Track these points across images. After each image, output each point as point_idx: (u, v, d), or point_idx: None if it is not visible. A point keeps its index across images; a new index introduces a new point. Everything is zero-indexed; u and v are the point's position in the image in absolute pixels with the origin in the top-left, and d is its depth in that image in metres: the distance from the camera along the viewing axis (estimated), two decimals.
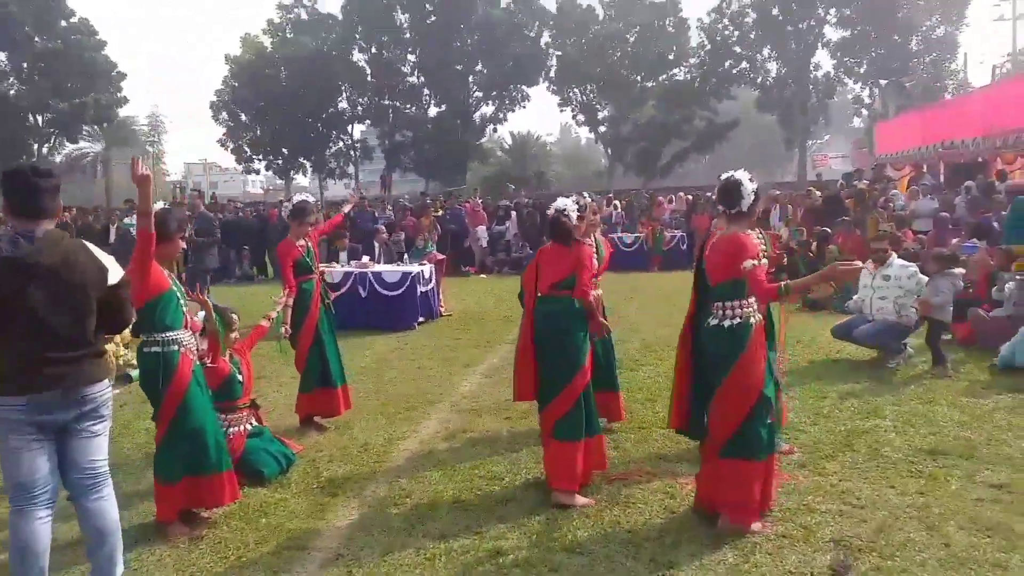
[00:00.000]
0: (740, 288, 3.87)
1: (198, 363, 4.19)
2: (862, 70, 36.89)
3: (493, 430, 5.71)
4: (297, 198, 6.05)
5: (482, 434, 5.62)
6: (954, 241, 10.36)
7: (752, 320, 3.90)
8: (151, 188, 3.62)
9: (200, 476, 4.09)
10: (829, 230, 12.40)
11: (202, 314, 4.57)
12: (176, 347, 4.00)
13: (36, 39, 36.96)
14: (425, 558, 3.78)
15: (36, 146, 38.74)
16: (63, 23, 37.70)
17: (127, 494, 4.54)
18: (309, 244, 5.80)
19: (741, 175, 4.02)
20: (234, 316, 4.97)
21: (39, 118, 38.52)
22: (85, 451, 3.24)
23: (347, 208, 6.93)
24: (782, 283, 3.78)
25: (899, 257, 7.63)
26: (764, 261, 3.92)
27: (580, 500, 4.30)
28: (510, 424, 5.84)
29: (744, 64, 37.92)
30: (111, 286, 3.21)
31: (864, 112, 38.84)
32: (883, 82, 35.80)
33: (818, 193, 15.20)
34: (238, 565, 3.78)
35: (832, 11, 36.21)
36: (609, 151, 42.71)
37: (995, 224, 10.42)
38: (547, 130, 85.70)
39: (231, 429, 4.81)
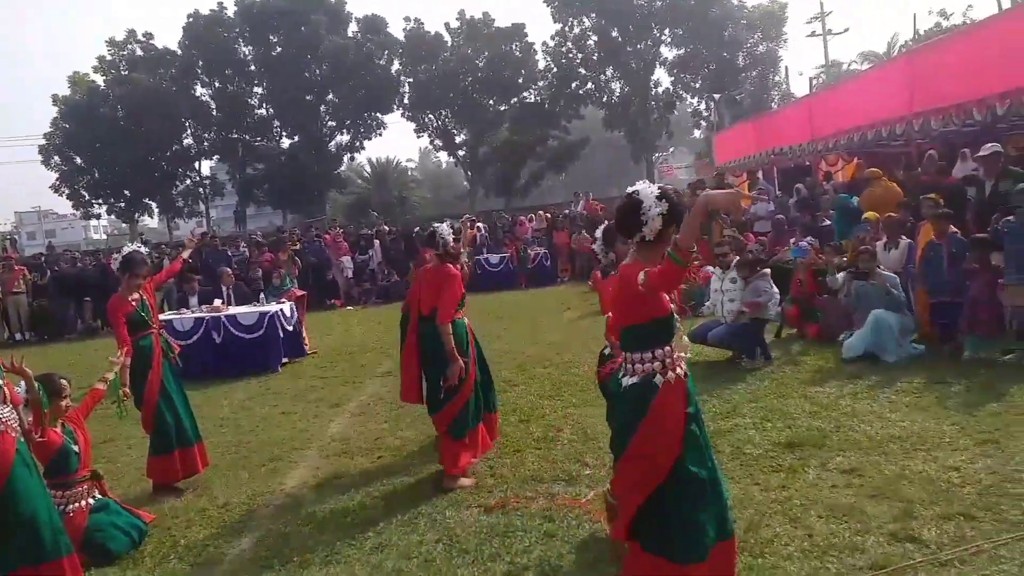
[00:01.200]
0: (642, 338, 3.12)
1: (22, 440, 3.75)
2: (697, 85, 39.38)
3: (365, 472, 5.48)
4: (127, 249, 5.56)
5: (353, 478, 5.37)
6: (791, 241, 11.11)
7: (657, 379, 3.06)
8: None
9: (34, 567, 3.64)
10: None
11: (24, 384, 4.11)
12: None
13: None
14: None
15: None
16: None
17: None
18: (144, 297, 5.38)
19: (644, 192, 3.05)
20: (63, 382, 4.50)
21: None
22: None
23: (186, 253, 6.44)
24: (667, 251, 2.89)
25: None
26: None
27: (464, 482, 4.97)
28: (383, 463, 5.64)
29: (590, 84, 39.48)
30: None
31: (703, 124, 41.35)
32: (717, 96, 38.32)
33: None
34: None
35: (666, 31, 38.43)
36: (469, 174, 43.09)
37: (827, 222, 11.27)
38: (407, 155, 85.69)
39: (69, 507, 4.37)
